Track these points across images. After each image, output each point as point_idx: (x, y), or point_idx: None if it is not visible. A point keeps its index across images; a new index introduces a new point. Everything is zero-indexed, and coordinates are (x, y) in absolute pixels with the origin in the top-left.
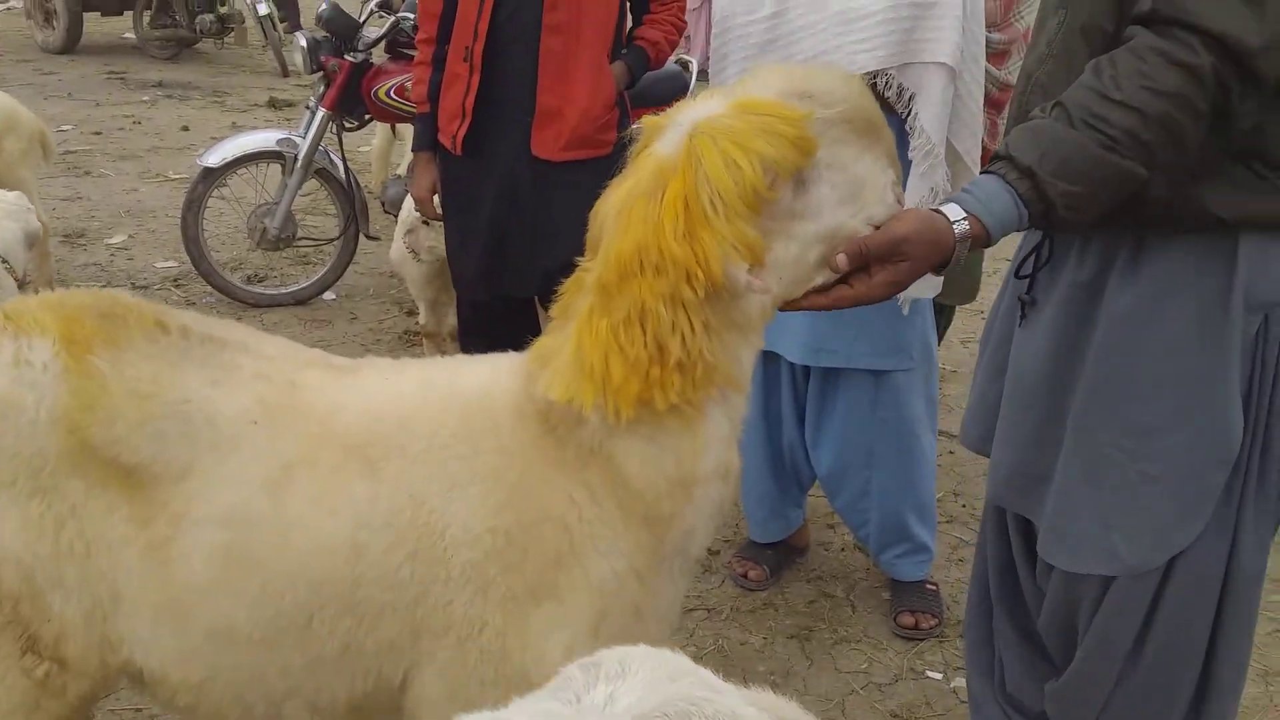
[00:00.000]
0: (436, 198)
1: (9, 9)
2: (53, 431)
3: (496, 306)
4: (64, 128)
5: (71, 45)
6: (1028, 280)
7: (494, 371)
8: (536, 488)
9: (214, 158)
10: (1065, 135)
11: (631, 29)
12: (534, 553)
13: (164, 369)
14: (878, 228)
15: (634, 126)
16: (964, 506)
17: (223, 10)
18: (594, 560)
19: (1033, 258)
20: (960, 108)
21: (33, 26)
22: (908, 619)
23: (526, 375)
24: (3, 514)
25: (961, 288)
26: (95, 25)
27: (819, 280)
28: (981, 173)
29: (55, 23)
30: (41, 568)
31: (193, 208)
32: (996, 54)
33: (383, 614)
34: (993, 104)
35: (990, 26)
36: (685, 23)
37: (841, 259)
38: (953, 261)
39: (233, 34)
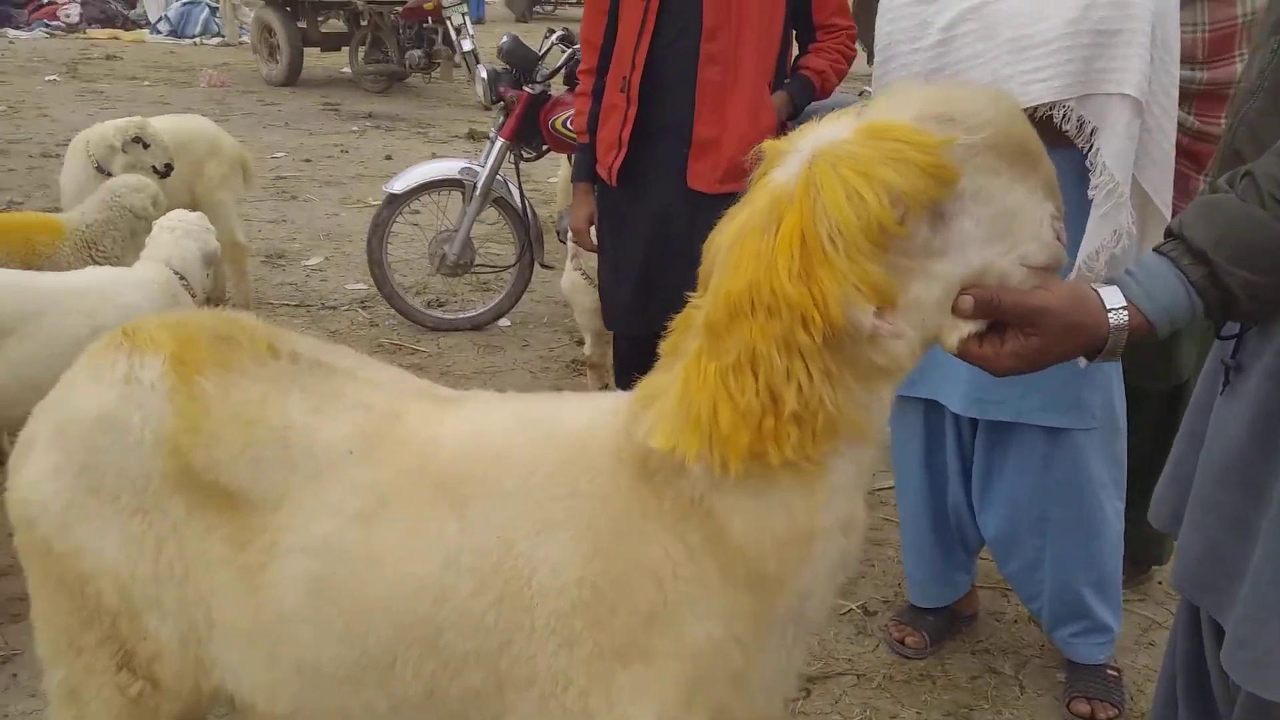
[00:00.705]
0: (594, 229)
1: (241, 43)
2: (157, 452)
3: (651, 341)
4: (277, 155)
5: (292, 78)
6: (1233, 342)
7: (596, 411)
8: (629, 539)
9: (399, 184)
10: (1250, 214)
11: (797, 58)
12: (623, 609)
13: (270, 393)
14: (1035, 269)
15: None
16: (1160, 584)
17: (432, 47)
18: (689, 622)
19: None
20: (1149, 143)
21: (258, 60)
22: (1082, 706)
23: (629, 416)
24: (105, 530)
25: (1155, 369)
26: (315, 60)
27: (962, 331)
28: (1153, 250)
29: (278, 57)
30: (140, 587)
31: (378, 232)
32: (1197, 94)
33: (467, 661)
34: (1183, 153)
35: (1190, 61)
36: (854, 51)
37: (966, 300)
38: (1107, 350)
39: (439, 68)
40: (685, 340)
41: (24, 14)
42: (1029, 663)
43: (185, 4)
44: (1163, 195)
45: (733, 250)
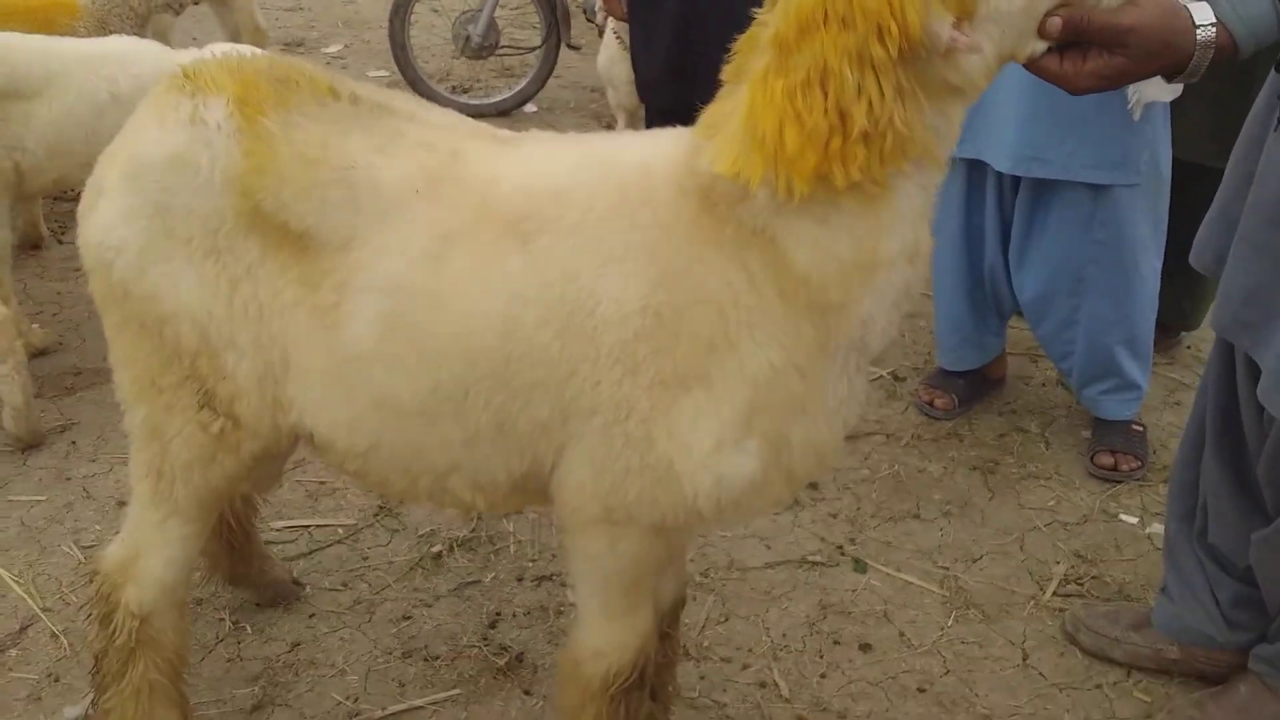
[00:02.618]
0: None
1: None
2: (227, 192)
3: (683, 116)
4: None
5: None
6: None
7: (657, 145)
8: (691, 267)
9: None
10: None
11: None
12: (685, 336)
13: (332, 134)
14: None
15: None
16: (1189, 348)
17: None
18: (749, 349)
19: None
20: None
21: None
22: (1106, 458)
23: (691, 147)
24: (180, 271)
25: (1210, 145)
26: None
27: (1038, 46)
28: None
29: None
30: (217, 326)
31: (400, 12)
32: None
33: (534, 391)
34: None
35: None
36: None
37: (1054, 23)
38: (1189, 70)
39: None
40: (749, 61)
41: None
42: (1055, 421)
43: None
44: None
45: None
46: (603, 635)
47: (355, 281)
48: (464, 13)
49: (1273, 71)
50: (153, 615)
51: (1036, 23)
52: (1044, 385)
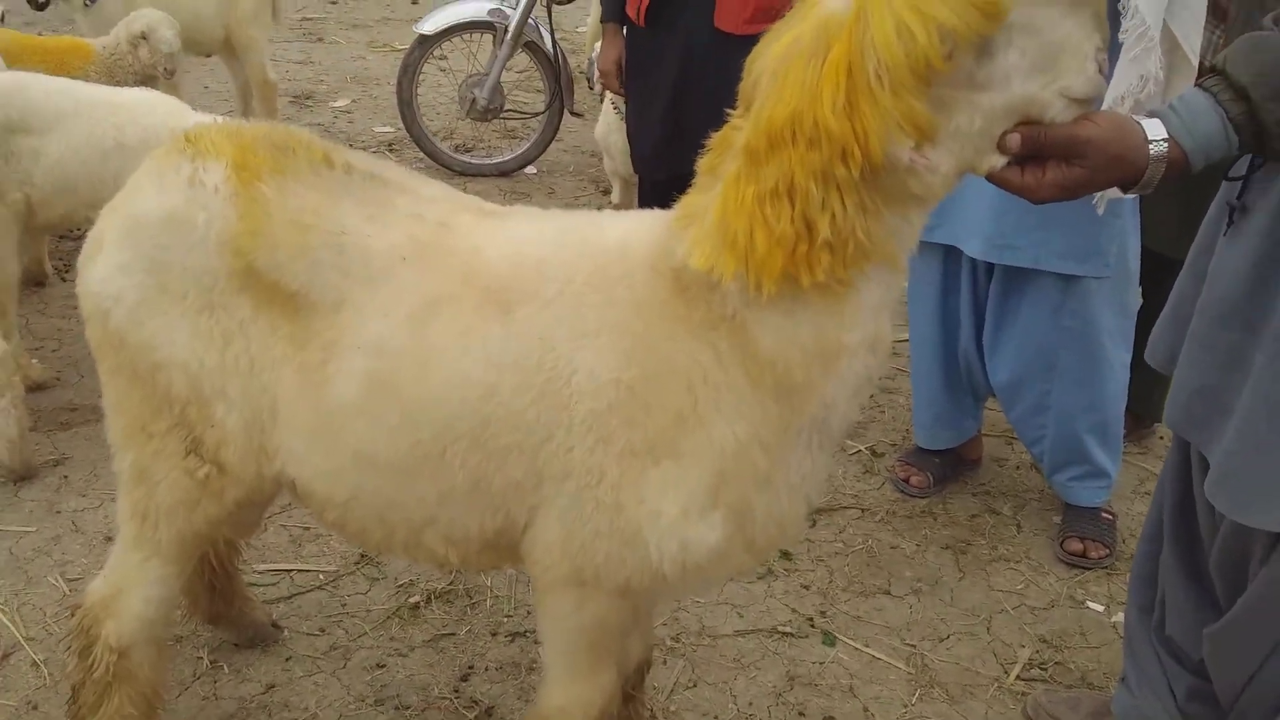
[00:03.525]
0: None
1: None
2: (221, 252)
3: (676, 187)
4: None
5: None
6: (1239, 184)
7: (636, 226)
8: (662, 344)
9: (429, 25)
10: None
11: None
12: (656, 409)
13: (325, 201)
14: (1076, 100)
15: None
16: (1161, 438)
17: None
18: (716, 423)
19: (1248, 159)
20: None
21: None
22: (1075, 544)
23: (668, 233)
24: (175, 325)
25: (1176, 237)
26: None
27: (996, 160)
28: (1194, 85)
29: None
30: (209, 377)
31: (408, 72)
32: None
33: (509, 453)
34: (1217, 14)
35: None
36: None
37: (1014, 139)
38: (1143, 183)
39: None
40: (723, 161)
41: None
42: (1027, 505)
43: None
44: (1192, 42)
45: (777, 75)
46: (567, 693)
47: (342, 341)
48: (471, 75)
49: (1223, 180)
50: (131, 650)
51: (995, 140)
52: (1018, 468)
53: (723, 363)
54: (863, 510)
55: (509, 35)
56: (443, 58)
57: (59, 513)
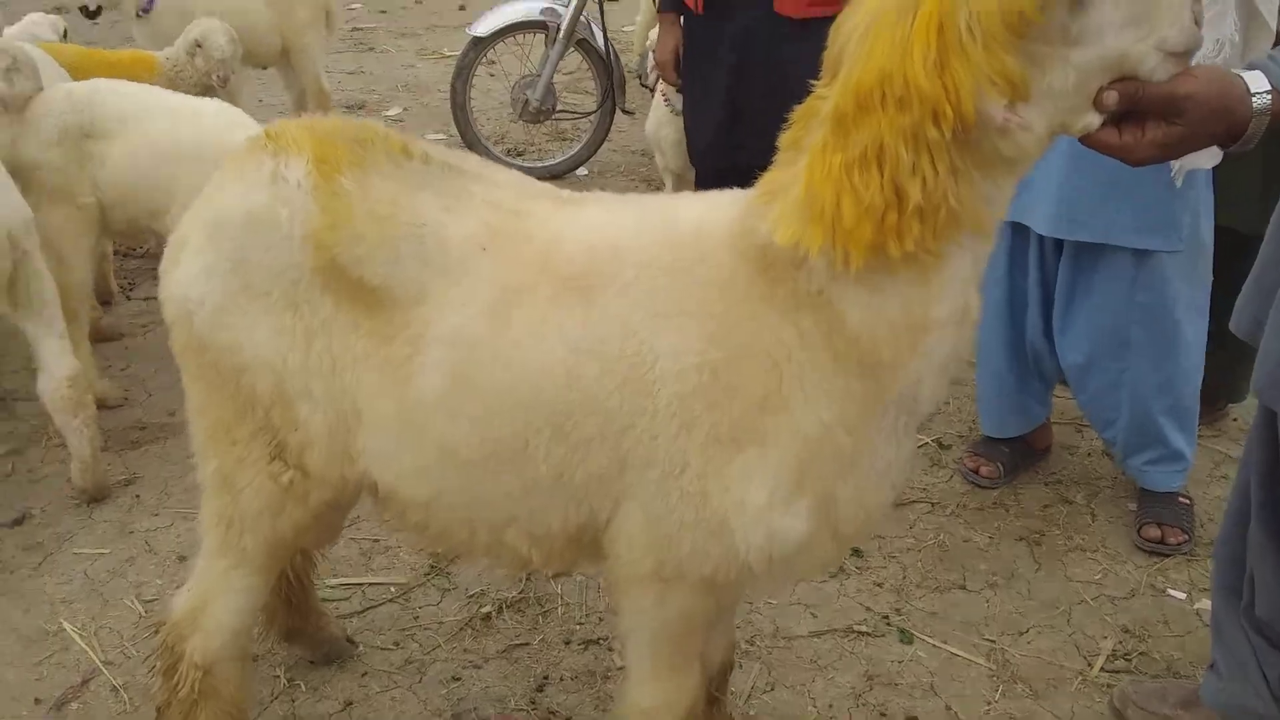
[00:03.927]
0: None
1: None
2: (305, 247)
3: (734, 179)
4: (353, 6)
5: None
6: None
7: (714, 206)
8: (745, 325)
9: (482, 27)
10: None
11: None
12: (740, 392)
13: (403, 192)
14: (1172, 54)
15: None
16: (1235, 421)
17: None
18: (801, 406)
19: None
20: None
21: None
22: (1153, 531)
23: (749, 211)
24: (258, 323)
25: (1255, 212)
26: None
27: (1092, 119)
28: None
29: None
30: (292, 378)
31: (462, 75)
32: None
33: (592, 443)
34: None
35: None
36: None
37: (1111, 96)
38: (1245, 139)
39: None
40: (808, 132)
41: None
42: (1101, 493)
43: None
44: (1269, 4)
45: (865, 37)
46: (651, 694)
47: (425, 335)
48: (523, 77)
49: None
50: (216, 666)
51: (1089, 98)
52: (1089, 456)
53: (807, 342)
54: (933, 504)
55: (562, 33)
56: (492, 62)
57: (132, 533)
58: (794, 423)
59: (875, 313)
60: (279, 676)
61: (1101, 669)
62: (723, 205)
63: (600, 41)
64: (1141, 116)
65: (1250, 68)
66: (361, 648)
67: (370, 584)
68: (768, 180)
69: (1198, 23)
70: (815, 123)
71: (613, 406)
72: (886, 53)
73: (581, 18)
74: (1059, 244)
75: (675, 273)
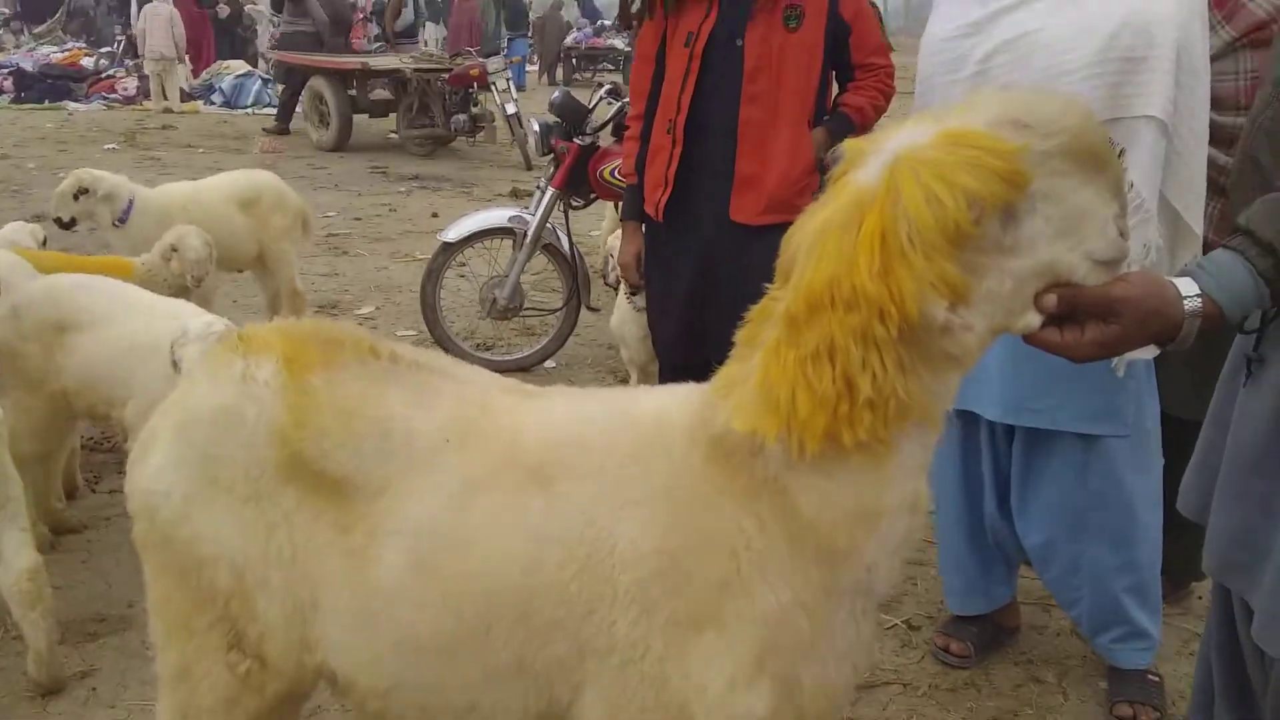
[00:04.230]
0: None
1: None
2: (270, 443)
3: (696, 373)
4: (329, 214)
5: (342, 144)
6: (1254, 336)
7: (673, 398)
8: (703, 513)
9: (453, 233)
10: None
11: (837, 95)
12: (698, 578)
13: (370, 389)
14: (1100, 263)
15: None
16: (1200, 599)
17: (475, 111)
18: (760, 591)
19: (1259, 313)
20: (1177, 163)
21: (309, 127)
22: (1125, 710)
23: (706, 403)
24: (221, 517)
25: (1191, 400)
26: (363, 126)
27: (1032, 320)
28: (1220, 247)
29: (329, 124)
30: (252, 569)
31: (432, 278)
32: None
33: (553, 630)
34: (1216, 190)
35: (1234, 108)
36: (893, 88)
37: (1049, 299)
38: (1180, 339)
39: (483, 132)
40: (762, 331)
41: (83, 88)
42: (1071, 671)
43: (239, 77)
44: (1193, 212)
45: (815, 246)
46: None
47: (386, 525)
48: (492, 277)
49: (1238, 334)
50: None
51: (1028, 301)
52: (1058, 635)
53: (765, 529)
54: (904, 685)
55: (529, 238)
56: (463, 264)
57: None
58: (753, 606)
59: (829, 499)
60: None
61: None
62: (682, 397)
63: (566, 245)
64: (1081, 317)
65: (1182, 273)
66: None
67: None
68: (725, 374)
69: (1124, 235)
70: (770, 322)
71: (573, 592)
72: (835, 259)
73: (547, 225)
74: (1010, 429)
75: (636, 462)
